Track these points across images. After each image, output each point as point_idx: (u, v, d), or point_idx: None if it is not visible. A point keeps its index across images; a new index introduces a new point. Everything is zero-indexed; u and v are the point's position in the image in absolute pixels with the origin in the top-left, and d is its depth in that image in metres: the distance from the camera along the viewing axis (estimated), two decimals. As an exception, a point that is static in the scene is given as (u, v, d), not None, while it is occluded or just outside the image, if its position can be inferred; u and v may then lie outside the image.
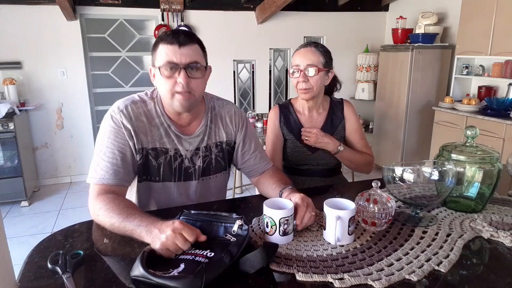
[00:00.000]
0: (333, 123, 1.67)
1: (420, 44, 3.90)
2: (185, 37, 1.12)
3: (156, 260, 0.85)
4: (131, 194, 1.28)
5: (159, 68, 1.12)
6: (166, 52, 1.11)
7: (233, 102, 4.54)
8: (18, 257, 0.99)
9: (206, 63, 1.20)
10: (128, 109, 1.18)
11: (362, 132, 1.72)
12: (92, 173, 1.15)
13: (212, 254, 0.87)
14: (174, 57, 1.10)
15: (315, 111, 1.67)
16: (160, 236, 0.89)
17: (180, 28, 1.12)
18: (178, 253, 0.89)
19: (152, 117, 1.21)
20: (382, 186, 1.08)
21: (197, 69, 1.14)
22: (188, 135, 1.25)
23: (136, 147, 1.18)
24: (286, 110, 1.68)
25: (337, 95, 1.76)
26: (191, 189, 1.30)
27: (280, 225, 0.96)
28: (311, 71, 1.51)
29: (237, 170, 3.56)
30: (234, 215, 0.96)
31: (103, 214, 1.04)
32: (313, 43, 1.57)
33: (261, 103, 4.78)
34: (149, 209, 1.29)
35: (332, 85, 1.71)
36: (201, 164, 1.29)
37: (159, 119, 1.22)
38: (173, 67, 1.11)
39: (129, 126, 1.16)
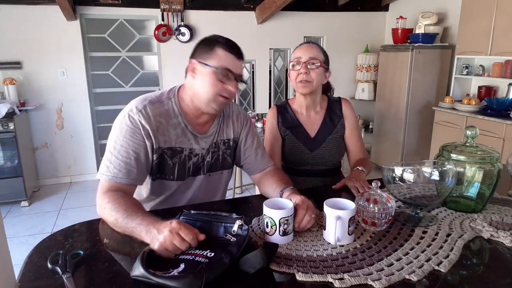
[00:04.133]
0: (333, 121, 1.68)
1: (420, 44, 3.90)
2: (239, 51, 1.22)
3: (156, 260, 0.85)
4: (142, 188, 1.29)
5: (214, 69, 1.16)
6: (226, 59, 1.16)
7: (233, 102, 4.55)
8: (18, 257, 0.99)
9: None
10: (147, 109, 1.18)
11: (359, 133, 1.73)
12: (104, 170, 1.14)
13: (212, 254, 0.87)
14: (232, 66, 1.17)
15: (313, 110, 1.67)
16: (158, 236, 0.89)
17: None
18: (177, 253, 0.89)
19: (170, 117, 1.23)
20: (382, 186, 1.08)
21: (244, 83, 1.24)
22: (203, 134, 1.28)
23: (154, 146, 1.19)
24: (283, 109, 1.69)
25: (336, 94, 1.77)
26: (197, 183, 1.33)
27: (280, 225, 0.96)
28: (313, 64, 1.52)
29: (237, 170, 3.57)
30: (234, 215, 0.96)
31: (110, 208, 1.04)
32: (313, 42, 1.62)
33: (261, 103, 4.78)
34: (156, 202, 1.31)
35: (326, 89, 1.72)
36: (210, 160, 1.32)
37: (177, 119, 1.24)
38: (228, 75, 1.17)
39: (147, 126, 1.17)
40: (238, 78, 1.19)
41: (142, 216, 0.99)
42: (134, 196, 1.21)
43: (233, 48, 1.18)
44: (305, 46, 1.56)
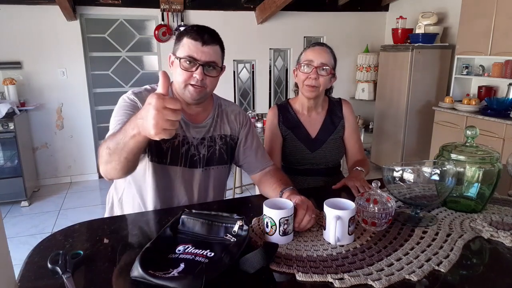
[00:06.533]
0: (333, 122, 1.68)
1: (420, 44, 3.90)
2: (209, 36, 1.20)
3: (156, 260, 0.85)
4: (145, 178, 1.28)
5: (179, 59, 1.20)
6: (189, 47, 1.18)
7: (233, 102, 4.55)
8: (18, 257, 0.99)
9: (222, 63, 1.28)
10: (142, 94, 1.25)
11: (358, 134, 1.74)
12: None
13: (212, 254, 0.87)
14: (195, 53, 1.18)
15: (315, 110, 1.68)
16: (147, 123, 0.83)
17: (206, 26, 1.27)
18: (175, 127, 0.84)
19: None
20: (382, 186, 1.08)
21: (214, 68, 1.22)
22: (195, 123, 1.31)
23: None
24: (284, 109, 1.69)
25: (336, 94, 1.77)
26: (195, 177, 1.33)
27: (280, 225, 0.96)
28: (324, 70, 1.52)
29: (237, 170, 3.57)
30: (235, 216, 0.96)
31: (103, 146, 1.01)
32: (325, 45, 1.59)
33: (261, 103, 4.78)
34: (153, 191, 1.29)
35: (326, 89, 1.72)
36: (206, 153, 1.33)
37: None
38: (193, 62, 1.18)
39: (141, 107, 1.17)
40: (205, 64, 1.19)
41: (124, 125, 0.95)
42: (140, 181, 1.27)
43: (199, 35, 1.18)
44: (318, 49, 1.54)
